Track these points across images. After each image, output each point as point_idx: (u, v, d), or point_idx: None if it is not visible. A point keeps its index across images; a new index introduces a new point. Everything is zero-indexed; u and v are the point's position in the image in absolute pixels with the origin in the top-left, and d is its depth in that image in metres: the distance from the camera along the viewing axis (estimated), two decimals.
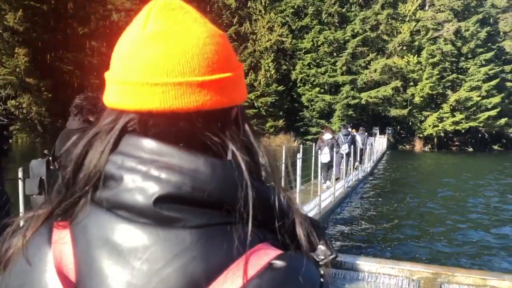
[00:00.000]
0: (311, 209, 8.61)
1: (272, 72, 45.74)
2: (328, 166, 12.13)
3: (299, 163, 7.58)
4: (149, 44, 0.56)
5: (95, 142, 0.59)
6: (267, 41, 46.25)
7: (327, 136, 12.32)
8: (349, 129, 15.93)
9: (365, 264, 4.83)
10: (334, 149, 12.18)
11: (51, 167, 3.13)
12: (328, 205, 9.98)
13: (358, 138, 17.49)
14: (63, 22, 43.51)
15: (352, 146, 14.10)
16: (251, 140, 0.60)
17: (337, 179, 12.08)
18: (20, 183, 3.47)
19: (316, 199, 9.01)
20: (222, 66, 0.57)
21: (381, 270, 4.75)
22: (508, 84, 50.56)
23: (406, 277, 4.65)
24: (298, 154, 7.80)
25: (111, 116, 0.59)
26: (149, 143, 0.55)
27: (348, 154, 13.51)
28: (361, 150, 16.90)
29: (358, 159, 16.22)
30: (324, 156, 11.68)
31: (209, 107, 0.55)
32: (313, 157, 11.58)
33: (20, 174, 3.52)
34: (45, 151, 3.26)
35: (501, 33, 53.07)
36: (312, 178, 12.01)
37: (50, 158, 3.16)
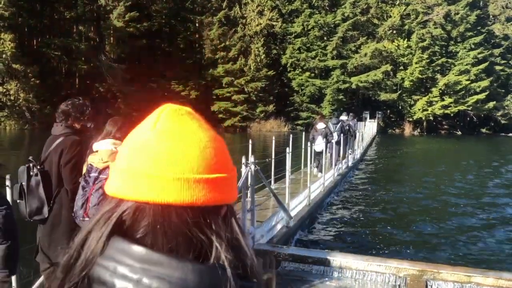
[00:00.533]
0: (300, 201, 8.68)
1: (262, 57, 45.50)
2: (321, 154, 12.00)
3: (288, 157, 7.62)
4: (155, 140, 0.61)
5: (95, 228, 0.61)
6: (257, 25, 45.91)
7: (320, 125, 12.41)
8: (345, 117, 16.09)
9: (353, 262, 4.92)
10: (327, 138, 12.20)
11: (31, 173, 3.18)
12: (317, 195, 10.07)
13: (352, 124, 17.35)
14: (49, 6, 42.68)
15: (341, 134, 14.17)
16: (239, 237, 0.64)
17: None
18: (8, 190, 3.48)
19: (306, 191, 9.08)
20: (218, 167, 0.62)
21: (368, 268, 4.84)
22: (497, 67, 50.93)
23: (393, 274, 4.75)
24: (287, 148, 7.83)
25: (111, 204, 0.63)
26: (138, 250, 0.58)
27: (337, 142, 13.58)
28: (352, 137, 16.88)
29: (351, 147, 16.16)
30: (318, 145, 11.78)
31: (202, 203, 0.60)
32: (303, 145, 11.69)
33: (8, 182, 3.51)
34: (30, 158, 3.29)
35: (491, 16, 53.24)
36: (302, 167, 12.11)
37: (31, 165, 3.20)
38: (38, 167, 3.25)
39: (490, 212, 10.62)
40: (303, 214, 8.34)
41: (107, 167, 3.03)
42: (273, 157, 10.70)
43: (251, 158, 5.95)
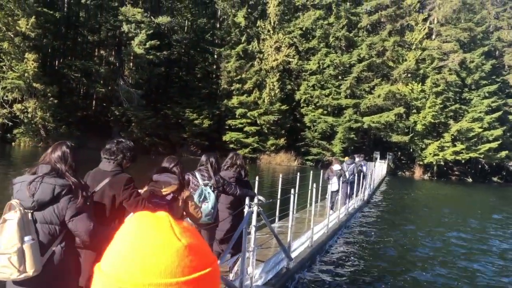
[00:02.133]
0: (302, 243, 8.74)
1: (276, 91, 46.15)
2: (335, 193, 12.90)
3: (292, 198, 7.74)
4: (130, 247, 0.68)
5: None
6: (274, 61, 46.78)
7: (336, 167, 13.33)
8: (358, 158, 16.91)
9: None
10: (341, 179, 13.27)
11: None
12: (320, 237, 10.11)
13: (364, 167, 17.90)
14: (73, 29, 44.19)
15: (353, 175, 14.73)
16: None
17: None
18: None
19: (308, 232, 9.15)
20: (192, 268, 0.68)
21: None
22: (510, 117, 50.88)
23: None
24: (292, 189, 7.97)
25: None
26: None
27: (351, 183, 14.37)
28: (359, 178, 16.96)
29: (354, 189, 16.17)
30: (333, 185, 12.54)
31: None
32: (310, 183, 11.87)
33: None
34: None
35: (506, 66, 53.56)
36: (308, 206, 12.21)
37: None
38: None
39: (493, 261, 10.54)
40: (304, 255, 8.40)
41: (167, 194, 3.87)
42: (279, 195, 10.85)
43: (255, 199, 6.11)
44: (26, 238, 2.68)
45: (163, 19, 42.72)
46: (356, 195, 16.18)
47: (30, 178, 2.85)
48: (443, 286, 8.55)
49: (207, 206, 4.89)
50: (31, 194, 2.79)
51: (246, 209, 5.49)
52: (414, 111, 50.11)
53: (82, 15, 44.55)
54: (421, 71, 50.23)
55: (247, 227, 5.37)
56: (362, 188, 17.66)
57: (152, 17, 42.29)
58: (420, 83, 49.87)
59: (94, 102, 44.63)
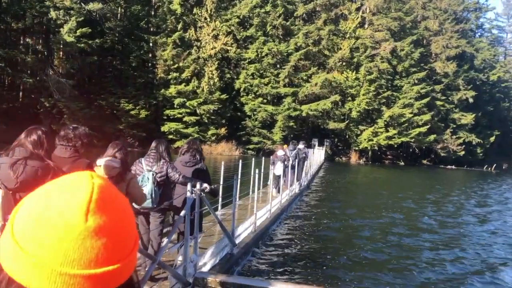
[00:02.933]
0: (246, 228, 8.68)
1: (215, 80, 45.73)
2: (279, 177, 13.96)
3: (235, 184, 7.63)
4: (42, 224, 0.60)
5: None
6: (212, 49, 46.25)
7: (280, 152, 14.47)
8: (301, 145, 18.45)
9: None
10: (285, 163, 14.34)
11: None
12: (263, 222, 10.12)
13: (307, 151, 19.75)
14: None
15: (296, 159, 15.75)
16: None
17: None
18: None
19: (252, 218, 9.10)
20: (102, 260, 0.60)
21: None
22: (438, 102, 53.82)
23: None
24: (235, 175, 7.86)
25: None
26: None
27: (292, 167, 15.17)
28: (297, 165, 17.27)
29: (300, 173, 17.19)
30: (277, 169, 13.68)
31: None
32: (252, 171, 11.93)
33: None
34: None
35: (433, 54, 56.51)
36: (251, 192, 12.20)
37: None
38: None
39: (424, 238, 11.07)
40: (248, 241, 8.35)
41: (111, 178, 4.09)
42: (221, 182, 10.72)
43: (198, 185, 5.92)
44: (9, 216, 2.57)
45: (94, 6, 40.78)
46: (298, 180, 16.54)
47: (11, 160, 3.00)
48: (382, 262, 8.83)
49: (146, 190, 5.08)
50: (15, 176, 2.95)
51: (188, 195, 5.31)
52: (349, 98, 51.64)
53: (4, 0, 41.44)
54: (355, 60, 51.78)
55: (189, 213, 5.18)
56: (303, 173, 18.38)
57: (82, 3, 40.23)
58: (355, 71, 51.44)
59: (21, 93, 41.89)
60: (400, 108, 50.37)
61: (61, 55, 41.66)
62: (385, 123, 50.44)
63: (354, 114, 50.47)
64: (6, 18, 40.85)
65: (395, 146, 51.85)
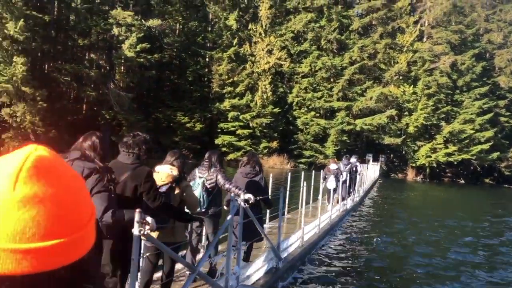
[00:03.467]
0: (293, 242, 8.52)
1: (268, 94, 46.02)
2: (332, 192, 13.65)
3: (281, 196, 7.53)
4: None
5: None
6: (266, 64, 46.66)
7: (333, 166, 14.46)
8: (354, 159, 18.42)
9: None
10: (338, 177, 14.23)
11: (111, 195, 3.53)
12: (312, 237, 9.92)
13: (359, 168, 19.78)
14: (63, 33, 43.74)
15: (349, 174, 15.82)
16: None
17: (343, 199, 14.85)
18: None
19: (299, 232, 8.94)
20: (46, 233, 0.55)
21: None
22: (502, 119, 51.09)
23: None
24: (281, 188, 7.76)
25: None
26: None
27: (345, 181, 15.13)
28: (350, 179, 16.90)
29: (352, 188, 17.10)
30: (330, 183, 13.51)
31: (19, 273, 0.53)
32: (302, 184, 11.74)
33: None
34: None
35: (497, 68, 53.87)
36: (300, 207, 12.01)
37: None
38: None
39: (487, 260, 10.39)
40: (295, 255, 8.19)
41: (165, 184, 4.39)
42: (269, 195, 10.64)
43: (242, 195, 5.89)
44: None
45: (154, 22, 42.46)
46: (349, 195, 16.21)
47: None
48: (435, 282, 8.36)
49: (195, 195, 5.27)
50: None
51: (231, 205, 5.28)
52: (406, 113, 50.17)
53: (72, 18, 44.11)
54: (413, 73, 50.35)
55: (232, 223, 5.15)
56: (355, 188, 18.16)
57: (143, 20, 42.00)
58: (412, 85, 49.97)
59: (84, 106, 44.16)
60: (460, 124, 48.26)
61: (122, 70, 43.58)
62: (445, 139, 48.46)
63: (411, 129, 48.90)
64: (73, 35, 43.42)
65: (455, 163, 49.57)
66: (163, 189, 4.36)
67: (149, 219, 3.34)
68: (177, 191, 4.59)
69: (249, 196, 5.68)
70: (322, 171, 14.91)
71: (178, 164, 4.73)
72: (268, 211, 10.51)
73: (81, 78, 41.67)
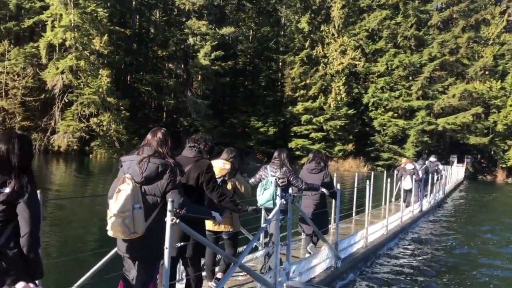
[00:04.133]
0: (356, 242, 8.21)
1: (342, 96, 45.15)
2: (408, 192, 13.80)
3: (338, 195, 7.27)
4: None
5: None
6: (339, 64, 45.84)
7: (409, 166, 14.17)
8: (433, 158, 18.27)
9: None
10: (414, 177, 13.93)
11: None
12: (378, 238, 9.52)
13: (441, 167, 19.57)
14: (144, 45, 46.33)
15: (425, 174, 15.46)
16: None
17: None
18: None
19: (362, 232, 8.60)
20: None
21: None
22: None
23: None
24: (337, 185, 7.52)
25: None
26: None
27: (420, 181, 14.47)
28: (426, 179, 16.03)
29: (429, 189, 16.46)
30: (406, 183, 13.48)
31: None
32: (367, 185, 11.35)
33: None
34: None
35: None
36: (366, 209, 11.59)
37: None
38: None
39: None
40: (356, 256, 7.90)
41: (218, 177, 4.65)
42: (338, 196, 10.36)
43: (290, 190, 5.80)
44: (136, 206, 3.30)
45: (227, 30, 43.57)
46: (426, 196, 15.45)
47: (139, 158, 3.50)
48: None
49: (268, 193, 5.73)
50: (141, 172, 3.43)
51: (278, 201, 5.21)
52: (494, 110, 46.69)
53: (151, 31, 46.62)
54: (500, 67, 46.80)
55: (278, 218, 5.07)
56: (434, 188, 17.42)
57: (216, 29, 43.27)
58: (499, 80, 46.43)
59: (164, 114, 46.35)
60: None
61: (198, 78, 45.18)
62: None
63: (499, 127, 45.36)
64: (153, 47, 45.88)
65: None
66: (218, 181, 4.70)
67: (216, 214, 3.85)
68: (229, 185, 4.94)
69: (323, 190, 6.71)
70: (396, 171, 14.52)
71: (232, 160, 5.09)
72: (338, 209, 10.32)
73: (160, 87, 43.85)
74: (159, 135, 3.61)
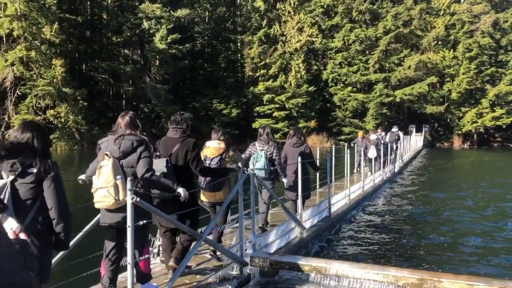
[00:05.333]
0: (320, 212, 8.45)
1: (302, 73, 45.46)
2: (372, 161, 14.95)
3: (299, 166, 7.45)
4: None
5: None
6: (297, 42, 46.00)
7: (372, 136, 15.40)
8: (395, 128, 20.19)
9: (350, 270, 4.70)
10: (379, 147, 15.14)
11: (169, 164, 4.37)
12: (341, 207, 9.83)
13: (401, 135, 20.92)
14: (97, 32, 44.91)
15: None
16: None
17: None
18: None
19: (326, 202, 8.85)
20: None
21: (366, 276, 4.61)
22: None
23: (391, 283, 4.50)
24: (299, 157, 7.70)
25: None
26: None
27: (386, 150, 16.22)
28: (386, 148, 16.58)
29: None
30: (371, 152, 14.64)
31: None
32: (346, 153, 11.73)
33: None
34: (157, 153, 4.60)
35: None
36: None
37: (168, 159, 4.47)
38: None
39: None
40: (321, 225, 8.14)
41: (215, 156, 5.35)
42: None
43: (251, 165, 5.90)
44: (118, 176, 3.66)
45: (182, 12, 42.79)
46: (384, 166, 15.92)
47: (114, 137, 3.90)
48: (468, 248, 8.09)
49: (259, 164, 6.59)
50: (118, 148, 3.84)
51: (239, 175, 5.29)
52: (448, 79, 48.32)
53: (104, 17, 45.21)
54: (452, 37, 48.29)
55: (241, 192, 5.16)
56: (396, 157, 18.94)
57: (171, 11, 42.41)
58: (452, 50, 47.95)
59: (124, 101, 45.39)
60: (507, 85, 45.94)
61: (156, 63, 44.33)
62: (491, 102, 46.35)
63: (454, 95, 47.06)
64: (107, 33, 44.54)
65: (504, 127, 47.34)
66: (215, 161, 5.35)
67: (180, 190, 4.09)
68: (227, 158, 5.52)
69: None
70: (361, 141, 15.34)
71: (223, 138, 5.61)
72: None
73: (118, 74, 42.77)
74: (127, 118, 4.00)
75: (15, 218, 2.78)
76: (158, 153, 4.57)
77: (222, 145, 5.46)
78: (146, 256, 4.09)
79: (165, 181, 4.03)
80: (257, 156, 6.68)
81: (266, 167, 6.63)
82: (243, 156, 6.74)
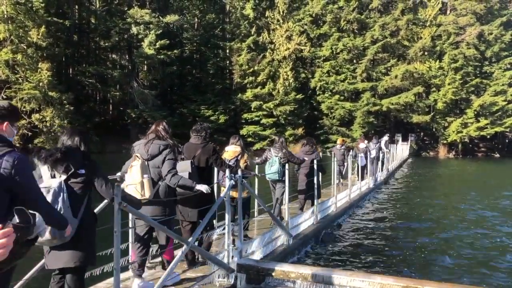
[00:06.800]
0: (305, 219, 8.47)
1: (290, 81, 45.69)
2: (363, 168, 15.48)
3: (287, 174, 7.49)
4: None
5: None
6: (286, 50, 46.29)
7: (362, 145, 15.69)
8: (386, 137, 21.15)
9: (336, 277, 4.72)
10: (367, 155, 15.37)
11: (192, 166, 5.09)
12: (328, 214, 9.85)
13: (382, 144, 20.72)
14: (85, 36, 44.64)
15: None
16: None
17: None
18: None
19: (312, 209, 8.87)
20: None
21: (352, 283, 4.63)
22: None
23: None
24: (286, 165, 7.76)
25: None
26: None
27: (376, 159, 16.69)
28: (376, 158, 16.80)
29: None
30: (360, 160, 15.16)
31: None
32: (333, 161, 11.70)
33: None
34: (182, 156, 5.39)
35: None
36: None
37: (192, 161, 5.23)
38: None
39: (493, 236, 10.06)
40: (307, 233, 8.15)
41: (232, 158, 6.55)
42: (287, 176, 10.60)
43: (239, 172, 5.90)
44: (145, 175, 4.32)
45: (171, 18, 42.78)
46: (373, 174, 16.08)
47: (145, 141, 4.61)
48: (460, 268, 8.17)
49: (274, 168, 7.90)
50: (146, 150, 4.53)
51: (227, 182, 5.29)
52: (434, 89, 48.95)
53: (92, 21, 44.97)
54: (438, 48, 48.99)
55: (228, 198, 5.15)
56: (382, 166, 18.51)
57: (160, 17, 42.38)
58: (438, 60, 48.64)
59: (111, 106, 45.09)
60: (491, 96, 46.68)
61: (144, 68, 44.18)
62: (475, 113, 47.03)
63: (440, 105, 47.66)
64: (94, 38, 44.29)
65: (488, 137, 48.07)
66: (232, 162, 6.39)
67: (199, 187, 4.66)
68: (242, 162, 6.59)
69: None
70: (351, 150, 15.46)
71: (240, 143, 6.80)
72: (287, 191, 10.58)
73: (105, 79, 42.49)
74: (161, 126, 4.72)
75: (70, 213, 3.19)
76: (182, 156, 5.36)
77: (238, 148, 6.67)
78: (170, 247, 4.81)
79: (185, 182, 4.54)
80: (272, 161, 7.97)
81: (279, 171, 7.86)
82: (258, 160, 8.39)
